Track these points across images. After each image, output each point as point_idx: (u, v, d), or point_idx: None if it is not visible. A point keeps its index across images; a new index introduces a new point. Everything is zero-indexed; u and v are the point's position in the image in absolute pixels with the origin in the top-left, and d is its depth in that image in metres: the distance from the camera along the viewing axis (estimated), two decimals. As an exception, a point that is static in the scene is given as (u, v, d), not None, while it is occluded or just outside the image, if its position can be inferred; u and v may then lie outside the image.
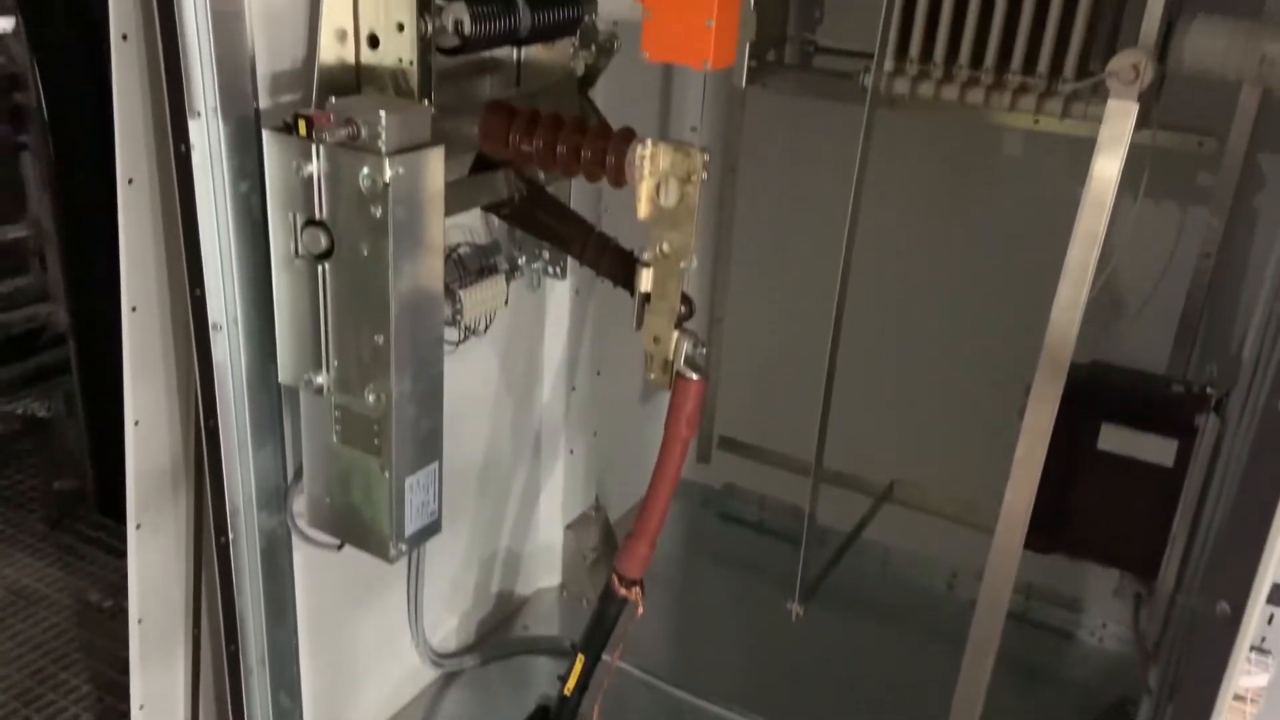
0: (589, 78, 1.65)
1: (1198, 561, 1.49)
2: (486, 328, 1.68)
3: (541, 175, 1.61)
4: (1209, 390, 1.62)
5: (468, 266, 1.65)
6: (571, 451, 2.17)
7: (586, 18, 1.56)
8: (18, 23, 2.40)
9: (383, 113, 1.19)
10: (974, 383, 2.15)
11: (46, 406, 2.89)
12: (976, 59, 1.68)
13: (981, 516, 1.88)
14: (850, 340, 1.74)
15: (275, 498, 1.47)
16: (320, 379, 1.34)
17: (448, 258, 1.56)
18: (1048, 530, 1.64)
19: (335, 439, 1.38)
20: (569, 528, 2.22)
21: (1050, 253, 1.37)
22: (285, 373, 1.38)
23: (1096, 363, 1.77)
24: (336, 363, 1.33)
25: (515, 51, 1.54)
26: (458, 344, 1.61)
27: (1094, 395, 1.68)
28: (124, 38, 1.26)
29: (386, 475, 1.35)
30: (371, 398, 1.31)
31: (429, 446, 1.39)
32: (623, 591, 1.51)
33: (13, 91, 2.51)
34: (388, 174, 1.19)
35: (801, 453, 2.09)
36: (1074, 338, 1.37)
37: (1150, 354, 1.92)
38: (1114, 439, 1.66)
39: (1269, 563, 0.88)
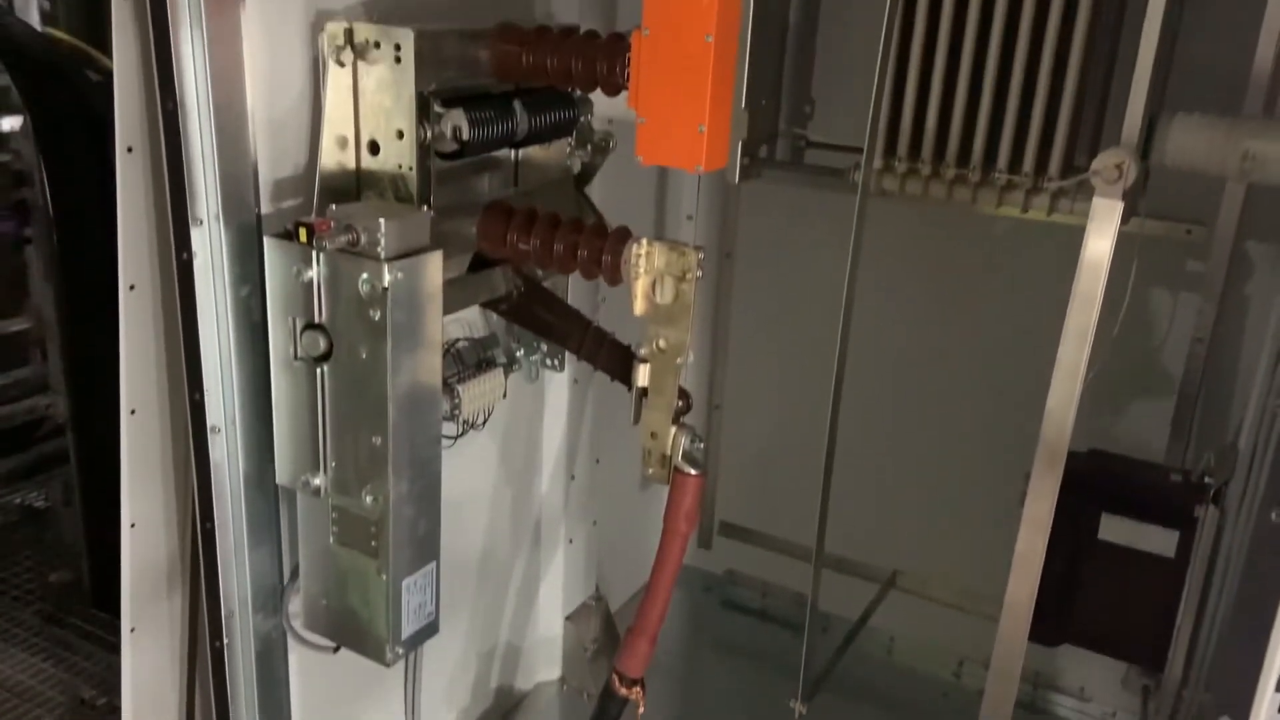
0: (585, 175, 1.68)
1: (1203, 655, 1.47)
2: (485, 421, 1.68)
3: (539, 271, 1.63)
4: (1207, 480, 1.61)
5: (466, 361, 1.66)
6: (571, 541, 2.15)
7: (582, 119, 1.59)
8: (25, 120, 2.44)
9: (382, 220, 1.21)
10: (974, 467, 2.15)
11: (44, 497, 2.87)
12: (963, 157, 1.70)
13: (986, 604, 1.86)
14: (849, 425, 1.74)
15: (271, 599, 1.46)
16: (318, 480, 1.34)
17: (446, 353, 1.56)
18: (1053, 622, 1.63)
19: (332, 540, 1.37)
20: (569, 619, 2.19)
21: (1047, 337, 1.39)
22: (283, 474, 1.38)
23: (1095, 451, 1.76)
24: (334, 464, 1.33)
25: (513, 152, 1.57)
26: (455, 438, 1.62)
27: (1093, 485, 1.67)
28: (129, 150, 1.28)
29: (383, 577, 1.34)
30: (369, 499, 1.31)
31: (426, 547, 1.38)
32: (623, 691, 1.49)
33: (19, 187, 2.54)
34: (386, 279, 1.21)
35: (803, 538, 2.07)
36: (1069, 430, 1.37)
37: (1148, 437, 1.92)
38: (1115, 529, 1.65)
39: (1270, 674, 0.87)
